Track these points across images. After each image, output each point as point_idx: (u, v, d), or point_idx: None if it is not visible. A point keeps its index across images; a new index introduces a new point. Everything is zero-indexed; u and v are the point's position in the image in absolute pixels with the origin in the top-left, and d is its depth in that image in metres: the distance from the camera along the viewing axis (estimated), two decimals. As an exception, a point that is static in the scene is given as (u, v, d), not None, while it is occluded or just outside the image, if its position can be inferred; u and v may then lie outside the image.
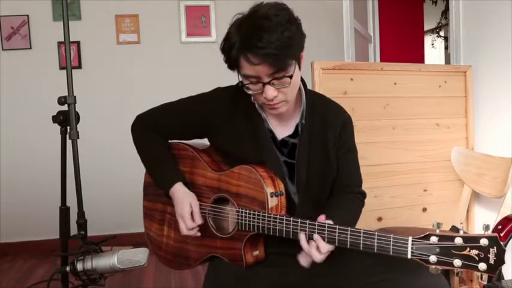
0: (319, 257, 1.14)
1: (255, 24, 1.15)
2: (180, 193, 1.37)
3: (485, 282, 1.58)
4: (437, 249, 0.99)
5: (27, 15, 3.45)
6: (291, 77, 1.20)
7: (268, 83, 1.19)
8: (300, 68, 1.25)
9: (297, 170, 1.32)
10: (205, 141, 1.45)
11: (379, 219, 2.11)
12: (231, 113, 1.34)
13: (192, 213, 1.34)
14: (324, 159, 1.33)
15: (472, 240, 0.95)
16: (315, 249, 1.15)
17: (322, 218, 1.17)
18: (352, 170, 1.40)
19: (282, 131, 1.35)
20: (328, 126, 1.34)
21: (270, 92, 1.20)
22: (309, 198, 1.32)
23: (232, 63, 1.21)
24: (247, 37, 1.14)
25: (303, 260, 1.19)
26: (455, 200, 2.20)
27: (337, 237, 1.13)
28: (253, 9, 1.19)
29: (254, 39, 1.13)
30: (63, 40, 1.62)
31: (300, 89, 1.33)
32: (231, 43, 1.18)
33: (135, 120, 1.49)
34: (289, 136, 1.34)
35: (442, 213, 2.21)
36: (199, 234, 1.35)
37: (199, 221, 1.34)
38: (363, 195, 1.43)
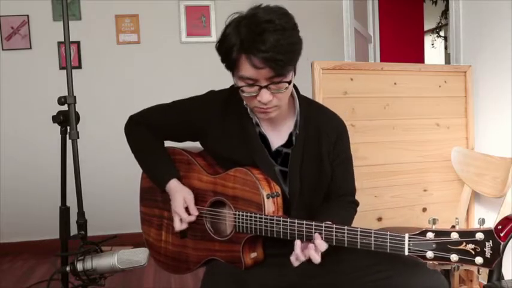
0: (317, 258, 1.14)
1: (258, 26, 1.13)
2: (174, 189, 1.37)
3: (485, 282, 1.58)
4: (434, 245, 1.00)
5: (27, 15, 3.45)
6: (289, 82, 1.20)
7: (265, 86, 1.18)
8: (295, 73, 1.24)
9: (289, 179, 1.31)
10: (198, 145, 1.45)
11: (379, 219, 2.11)
12: (223, 117, 1.34)
13: (187, 208, 1.34)
14: (318, 169, 1.33)
15: (467, 235, 0.97)
16: (313, 251, 1.14)
17: (318, 237, 1.16)
18: (346, 180, 1.40)
19: (276, 138, 1.34)
20: (322, 137, 1.33)
21: (266, 96, 1.19)
22: (302, 206, 1.32)
23: (231, 64, 1.20)
24: (250, 39, 1.13)
25: (295, 261, 1.18)
26: (455, 200, 2.19)
27: (334, 236, 1.13)
28: (252, 11, 1.17)
29: (257, 41, 1.12)
30: (63, 40, 1.61)
31: (292, 95, 1.33)
32: (230, 44, 1.16)
33: (128, 121, 1.50)
34: (283, 145, 1.34)
35: (442, 213, 2.21)
36: (193, 219, 1.34)
37: (195, 212, 1.33)
38: (356, 204, 1.43)
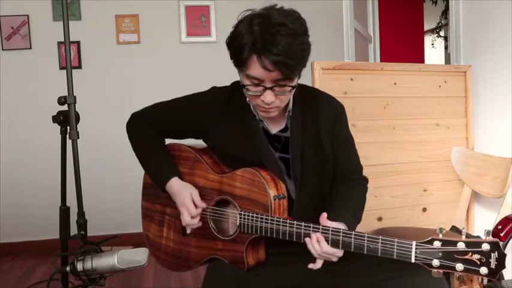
0: (318, 249, 1.15)
1: (272, 28, 1.13)
2: (177, 186, 1.37)
3: (485, 282, 1.58)
4: (440, 254, 1.01)
5: (27, 15, 3.45)
6: (293, 87, 1.21)
7: (270, 88, 1.19)
8: (299, 77, 1.25)
9: (292, 163, 1.32)
10: (203, 143, 1.45)
11: (379, 219, 2.11)
12: (225, 114, 1.34)
13: (193, 201, 1.34)
14: (319, 151, 1.33)
15: (474, 245, 0.98)
16: (315, 241, 1.15)
17: (323, 217, 1.17)
18: (350, 159, 1.41)
19: (274, 126, 1.35)
20: (320, 118, 1.34)
21: (269, 97, 1.20)
22: (307, 191, 1.32)
23: (240, 62, 1.19)
24: (262, 40, 1.13)
25: (314, 265, 1.19)
26: (455, 200, 2.19)
27: (341, 240, 1.13)
28: (266, 11, 1.17)
29: (269, 43, 1.12)
30: (63, 40, 1.61)
31: None
32: (242, 42, 1.16)
33: (130, 118, 1.50)
34: (281, 131, 1.35)
35: (442, 213, 2.21)
36: (200, 224, 1.34)
37: (202, 204, 1.34)
38: (365, 180, 1.43)
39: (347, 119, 1.41)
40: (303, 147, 1.32)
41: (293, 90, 1.23)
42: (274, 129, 1.35)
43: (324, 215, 1.19)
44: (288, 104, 1.33)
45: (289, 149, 1.33)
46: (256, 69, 1.16)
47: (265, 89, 1.19)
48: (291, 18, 1.16)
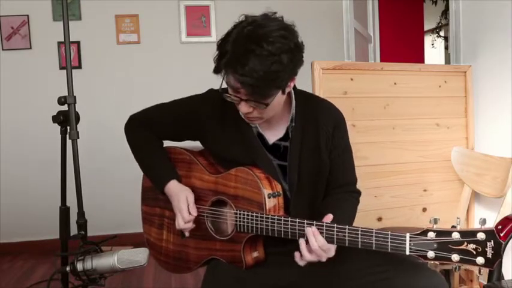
0: (314, 243, 1.14)
1: (248, 44, 1.11)
2: (175, 188, 1.37)
3: (485, 282, 1.58)
4: (435, 245, 1.00)
5: (27, 15, 3.45)
6: (266, 105, 1.18)
7: (245, 100, 1.18)
8: (284, 92, 1.22)
9: (288, 171, 1.32)
10: (199, 144, 1.45)
11: (379, 219, 2.11)
12: (221, 116, 1.34)
13: (188, 206, 1.34)
14: (317, 160, 1.33)
15: (469, 235, 0.96)
16: (312, 235, 1.14)
17: (329, 218, 1.17)
18: (347, 170, 1.40)
19: (273, 135, 1.34)
20: (320, 127, 1.33)
21: (244, 108, 1.20)
22: (302, 199, 1.32)
23: (218, 69, 1.18)
24: (234, 57, 1.12)
25: (299, 259, 1.18)
26: (455, 200, 2.19)
27: (335, 236, 1.13)
28: (260, 21, 1.15)
29: (239, 62, 1.10)
30: (63, 40, 1.61)
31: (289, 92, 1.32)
32: (225, 48, 1.15)
33: (128, 120, 1.50)
34: (280, 139, 1.34)
35: (442, 213, 2.21)
36: (193, 225, 1.35)
37: (194, 213, 1.34)
38: (358, 193, 1.43)
39: (347, 128, 1.41)
40: (301, 155, 1.31)
41: (273, 105, 1.20)
42: (272, 137, 1.34)
43: (330, 216, 1.17)
44: (289, 111, 1.33)
45: (287, 156, 1.32)
46: (229, 80, 1.16)
47: (241, 100, 1.19)
48: (276, 33, 1.12)
